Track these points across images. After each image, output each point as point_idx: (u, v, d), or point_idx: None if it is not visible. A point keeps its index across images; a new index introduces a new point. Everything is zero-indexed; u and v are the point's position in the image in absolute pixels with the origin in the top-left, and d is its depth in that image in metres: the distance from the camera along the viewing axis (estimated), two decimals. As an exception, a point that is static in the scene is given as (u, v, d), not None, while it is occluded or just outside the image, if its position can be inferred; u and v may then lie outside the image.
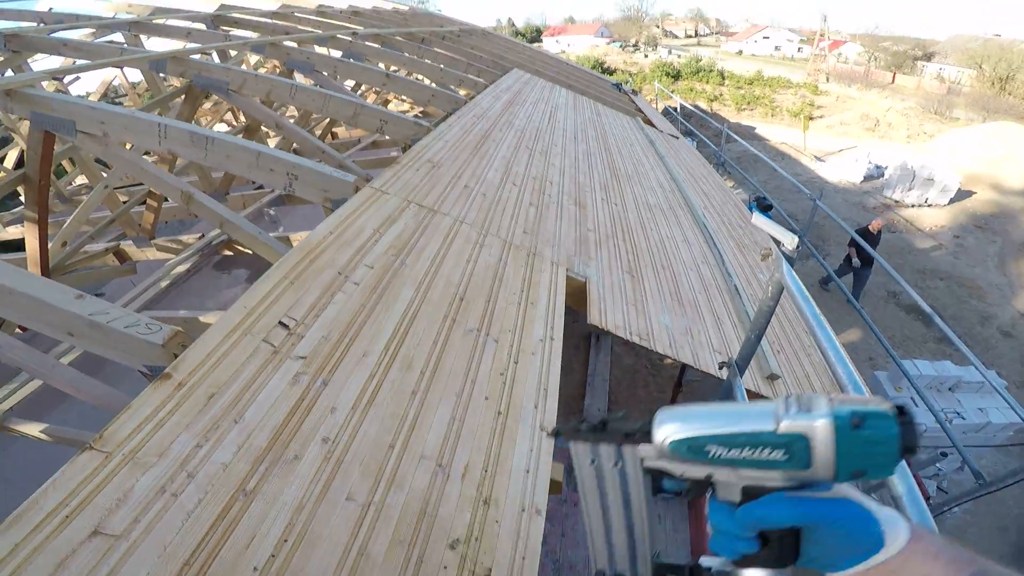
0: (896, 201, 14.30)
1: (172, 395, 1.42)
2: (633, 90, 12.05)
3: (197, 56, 4.64)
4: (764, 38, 65.42)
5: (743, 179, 10.25)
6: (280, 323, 1.79)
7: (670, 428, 0.54)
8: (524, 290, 2.62)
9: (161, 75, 4.86)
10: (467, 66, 6.57)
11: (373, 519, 1.36)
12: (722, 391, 2.48)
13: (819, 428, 0.48)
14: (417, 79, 5.91)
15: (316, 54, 5.23)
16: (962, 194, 14.53)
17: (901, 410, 0.49)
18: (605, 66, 32.96)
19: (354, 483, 1.42)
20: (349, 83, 7.24)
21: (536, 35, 75.82)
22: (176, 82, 7.02)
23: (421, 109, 7.58)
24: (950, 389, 6.11)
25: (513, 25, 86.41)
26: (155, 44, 6.26)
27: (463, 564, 1.37)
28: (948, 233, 12.80)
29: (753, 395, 2.72)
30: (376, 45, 6.29)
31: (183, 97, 4.37)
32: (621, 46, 52.87)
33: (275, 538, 1.23)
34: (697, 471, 0.55)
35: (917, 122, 24.03)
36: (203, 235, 4.52)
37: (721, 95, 27.98)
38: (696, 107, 21.96)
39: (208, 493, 1.24)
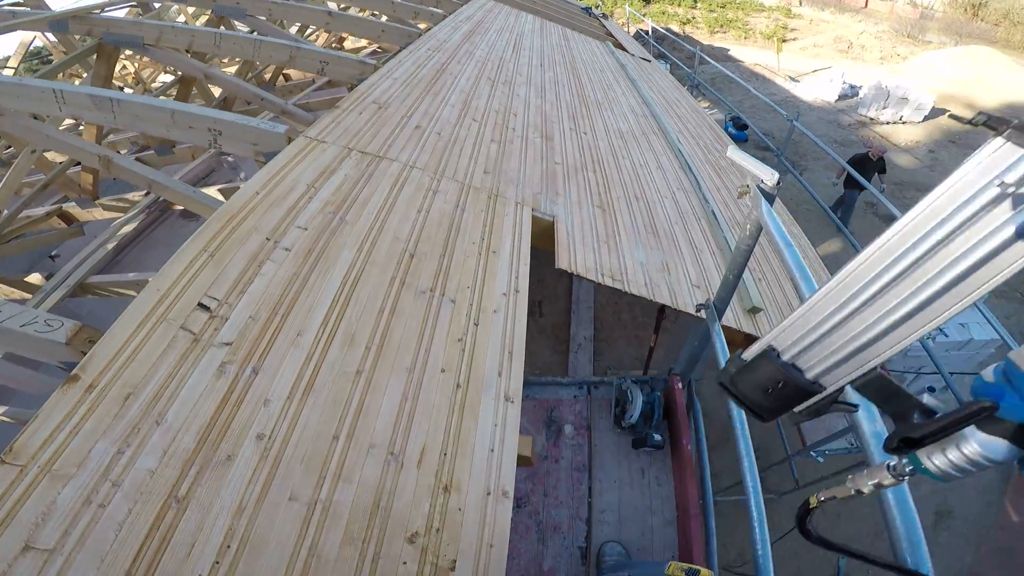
0: (871, 118, 13.95)
1: (83, 399, 1.24)
2: (604, 14, 11.27)
3: (121, 12, 4.09)
4: (737, -45, 61.75)
5: (718, 100, 9.80)
6: (199, 305, 1.56)
7: None
8: (485, 237, 2.37)
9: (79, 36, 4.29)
10: (422, -4, 5.96)
11: (321, 518, 1.24)
12: (700, 335, 2.34)
13: None
14: (374, 16, 5.35)
15: (249, -5, 4.64)
16: (936, 112, 14.21)
17: None
18: (575, -9, 30.98)
19: (297, 481, 1.28)
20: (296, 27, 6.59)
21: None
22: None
23: (377, 46, 6.96)
24: None
25: None
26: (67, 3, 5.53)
27: (424, 558, 1.25)
28: (923, 148, 12.59)
29: (733, 332, 2.57)
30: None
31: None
32: (590, -30, 49.70)
33: (216, 545, 1.13)
34: None
35: (890, 45, 23.23)
36: (148, 192, 4.14)
37: (694, 18, 26.59)
38: (668, 30, 20.90)
39: (137, 502, 1.13)
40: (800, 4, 32.75)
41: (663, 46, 13.20)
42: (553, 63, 5.17)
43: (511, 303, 2.12)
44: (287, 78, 6.04)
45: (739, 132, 10.69)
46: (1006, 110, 14.84)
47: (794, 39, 24.64)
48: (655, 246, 2.90)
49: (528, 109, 3.71)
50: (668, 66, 11.57)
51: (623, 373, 2.86)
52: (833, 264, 8.08)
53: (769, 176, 1.71)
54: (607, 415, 2.60)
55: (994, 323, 3.52)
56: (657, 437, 2.36)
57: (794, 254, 1.44)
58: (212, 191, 4.14)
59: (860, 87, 15.62)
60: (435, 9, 5.47)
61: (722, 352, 1.90)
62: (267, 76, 5.82)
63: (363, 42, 7.86)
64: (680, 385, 2.51)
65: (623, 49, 7.76)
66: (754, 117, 13.00)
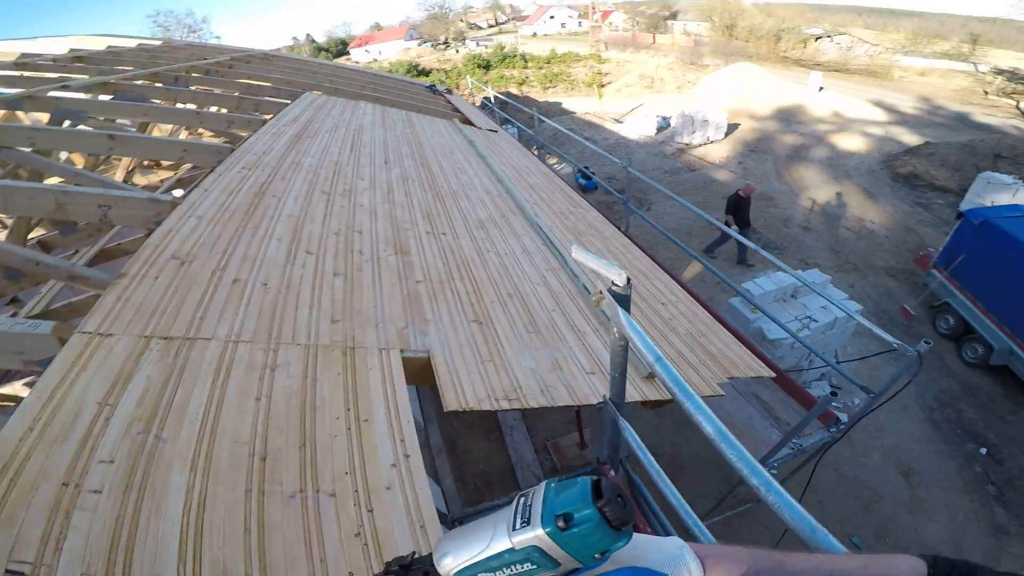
0: (687, 144, 15.69)
1: None
2: (448, 89, 11.35)
3: None
4: (551, 17, 68.99)
5: (561, 157, 10.33)
6: (8, 572, 1.18)
7: (448, 562, 0.51)
8: (350, 407, 1.83)
9: None
10: (239, 101, 5.29)
11: None
12: (606, 427, 2.17)
13: (541, 538, 0.47)
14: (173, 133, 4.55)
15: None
16: (731, 127, 16.42)
17: (599, 488, 0.49)
18: (420, 68, 31.94)
19: None
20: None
21: (342, 48, 71.09)
22: None
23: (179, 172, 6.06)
24: (793, 296, 6.32)
25: (314, 41, 79.93)
26: None
27: None
28: (733, 161, 14.32)
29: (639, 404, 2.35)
30: (104, 97, 4.73)
31: None
32: (432, 45, 51.95)
33: None
34: None
35: (681, 74, 26.90)
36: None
37: (528, 78, 28.66)
38: (508, 94, 22.07)
39: None
40: (606, 48, 37.01)
41: (506, 111, 13.68)
42: (399, 156, 4.78)
43: (405, 472, 1.65)
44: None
45: (588, 182, 11.22)
46: (777, 113, 17.56)
47: (609, 82, 27.55)
48: (540, 345, 2.54)
49: (375, 220, 3.21)
50: (516, 130, 11.92)
51: (557, 476, 2.56)
52: (701, 281, 8.59)
53: (618, 276, 1.53)
54: None
55: (833, 300, 3.74)
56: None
57: (654, 352, 1.37)
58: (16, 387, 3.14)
59: (670, 118, 17.65)
60: (252, 115, 4.82)
61: (635, 443, 1.85)
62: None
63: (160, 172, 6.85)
64: (613, 472, 2.31)
65: (470, 123, 7.69)
66: (597, 162, 13.89)
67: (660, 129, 17.58)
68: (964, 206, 10.42)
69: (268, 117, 4.86)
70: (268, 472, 1.54)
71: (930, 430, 6.33)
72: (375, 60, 51.06)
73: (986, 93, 23.45)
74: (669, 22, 49.32)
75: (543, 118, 9.92)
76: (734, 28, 37.16)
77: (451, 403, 2.03)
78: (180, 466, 1.48)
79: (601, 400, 2.09)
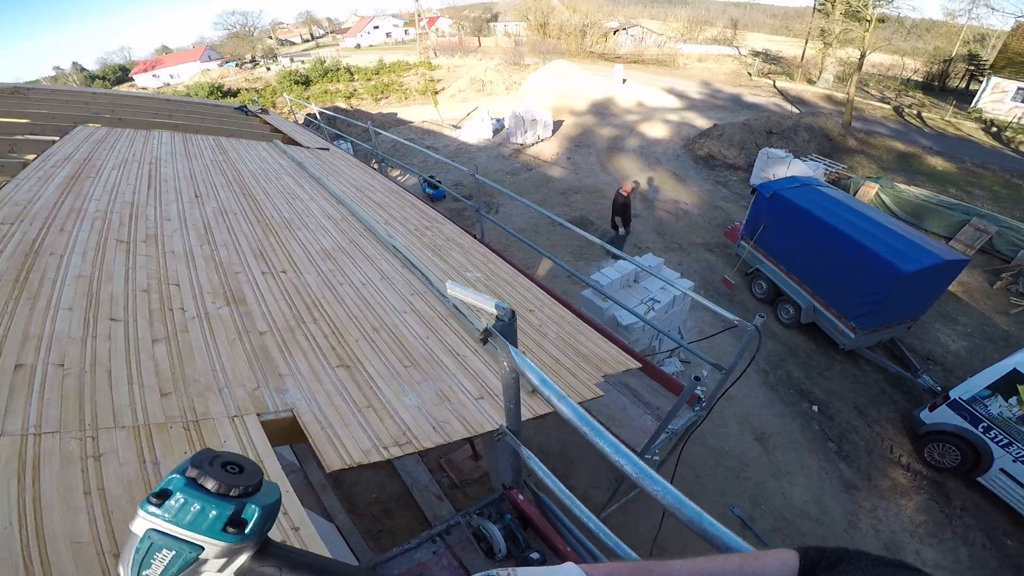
0: (522, 144, 16.62)
1: None
2: (263, 108, 10.37)
3: None
4: (375, 28, 67.39)
5: (404, 168, 10.16)
6: None
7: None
8: None
9: None
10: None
11: None
12: (506, 454, 2.16)
13: (145, 518, 0.49)
14: None
15: None
16: (557, 124, 17.80)
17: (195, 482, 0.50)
18: (226, 89, 28.65)
19: None
20: None
21: (122, 75, 60.96)
22: None
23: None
24: (635, 281, 6.84)
25: (83, 70, 67.07)
26: None
27: None
28: (563, 157, 15.54)
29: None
30: None
31: None
32: (237, 64, 47.27)
33: None
34: None
35: (507, 75, 28.34)
36: None
37: (356, 91, 27.58)
38: (336, 109, 21.02)
39: None
40: (436, 55, 37.43)
41: (336, 127, 13.02)
42: (213, 188, 4.22)
43: (299, 544, 1.41)
44: None
45: (435, 191, 11.21)
46: (592, 107, 19.45)
47: (443, 88, 27.88)
48: (421, 378, 2.45)
49: (195, 268, 2.79)
50: (350, 146, 11.40)
51: (466, 509, 2.51)
52: (555, 277, 9.14)
53: (501, 311, 1.55)
54: (475, 553, 2.24)
55: (668, 282, 4.23)
56: (535, 556, 2.14)
57: (555, 390, 1.34)
58: None
59: (503, 119, 18.52)
60: (8, 159, 3.87)
61: (539, 469, 1.85)
62: None
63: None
64: (521, 496, 2.31)
65: (295, 143, 7.14)
66: (442, 171, 13.97)
67: (496, 131, 18.34)
68: (753, 180, 12.75)
69: (31, 158, 3.94)
70: None
71: (769, 393, 7.10)
72: (167, 84, 44.95)
73: (750, 75, 28.88)
74: (491, 24, 51.67)
75: (379, 130, 9.65)
76: (547, 26, 40.27)
77: (333, 462, 1.85)
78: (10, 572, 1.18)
79: (498, 428, 2.05)
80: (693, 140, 15.97)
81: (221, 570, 0.51)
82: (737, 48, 35.62)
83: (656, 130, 17.21)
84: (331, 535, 4.39)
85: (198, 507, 0.48)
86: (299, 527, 1.53)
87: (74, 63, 70.20)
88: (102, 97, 8.68)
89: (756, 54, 33.04)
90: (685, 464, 4.26)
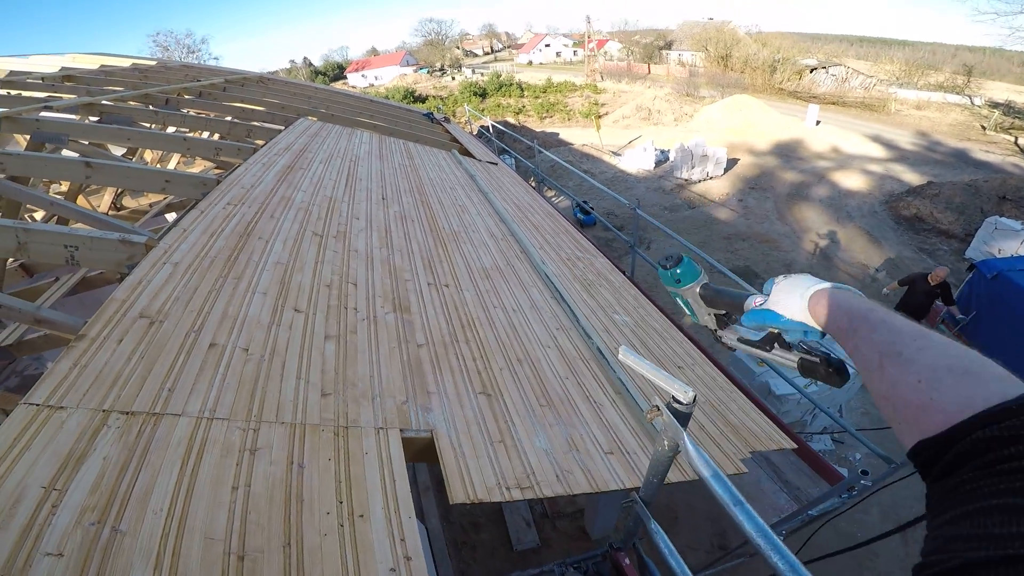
0: (686, 180, 15.79)
1: None
2: (446, 117, 11.34)
3: None
4: (546, 46, 70.73)
5: (559, 190, 10.28)
6: None
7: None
8: (343, 498, 1.58)
9: None
10: (231, 126, 5.10)
11: None
12: (627, 518, 2.03)
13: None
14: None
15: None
16: (731, 163, 16.59)
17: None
18: (417, 95, 32.36)
19: None
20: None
21: (339, 72, 72.15)
22: None
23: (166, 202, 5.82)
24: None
25: (311, 65, 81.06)
26: None
27: None
28: (733, 199, 14.41)
29: None
30: (92, 119, 4.52)
31: None
32: (428, 72, 52.82)
33: None
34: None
35: (678, 105, 27.42)
36: None
37: (524, 107, 29.09)
38: (505, 124, 22.28)
39: None
40: (602, 79, 37.81)
41: (503, 141, 13.73)
42: (398, 192, 4.59)
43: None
44: (118, 207, 4.65)
45: (586, 217, 11.13)
46: (776, 148, 17.79)
47: (606, 113, 27.97)
48: (554, 421, 2.30)
49: (372, 270, 2.99)
50: (513, 161, 11.90)
51: (563, 559, 2.44)
52: (703, 327, 8.43)
53: (683, 393, 1.32)
54: None
55: (847, 359, 3.56)
56: None
57: (725, 486, 1.20)
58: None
59: (668, 151, 17.82)
60: (243, 143, 4.62)
61: (665, 545, 1.73)
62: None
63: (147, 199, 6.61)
64: (627, 560, 2.16)
65: (469, 155, 7.58)
66: (595, 198, 13.89)
67: (658, 163, 17.74)
68: (971, 254, 10.47)
69: (260, 143, 4.67)
70: (247, 575, 1.31)
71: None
72: (371, 85, 51.79)
73: (984, 128, 24.00)
74: (664, 52, 50.67)
75: (542, 149, 9.90)
76: (729, 58, 38.17)
77: (458, 495, 1.78)
78: (142, 562, 1.25)
79: (630, 497, 1.89)
80: (898, 197, 13.70)
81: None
82: (969, 97, 29.96)
83: (851, 180, 15.13)
84: (421, 535, 4.41)
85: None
86: (411, 557, 1.48)
87: (304, 58, 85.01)
88: (321, 93, 10.22)
89: (995, 105, 27.38)
90: (807, 544, 3.68)
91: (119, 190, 5.72)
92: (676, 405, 1.30)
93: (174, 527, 1.36)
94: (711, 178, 15.89)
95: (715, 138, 18.21)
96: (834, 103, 29.72)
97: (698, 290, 1.10)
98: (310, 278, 2.67)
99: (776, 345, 0.92)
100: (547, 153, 9.78)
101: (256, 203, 3.37)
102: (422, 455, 2.04)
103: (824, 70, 34.61)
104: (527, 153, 13.30)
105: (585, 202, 10.61)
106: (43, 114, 4.41)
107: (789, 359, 0.92)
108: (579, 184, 15.05)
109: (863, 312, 0.67)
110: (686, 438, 1.32)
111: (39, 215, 5.61)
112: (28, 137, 4.15)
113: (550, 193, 13.13)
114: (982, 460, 0.44)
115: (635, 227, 6.28)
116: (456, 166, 6.50)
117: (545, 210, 5.92)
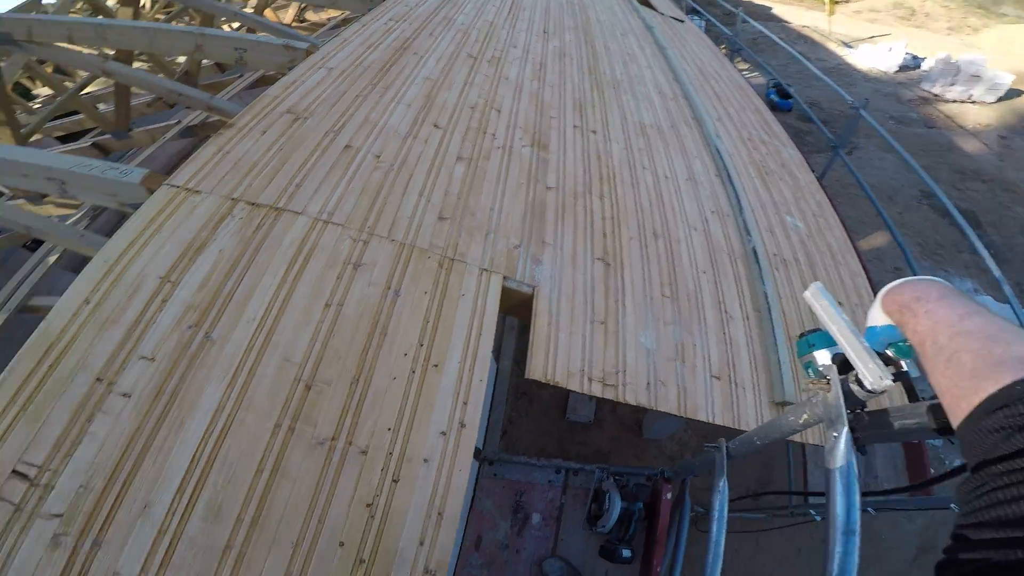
0: (935, 95, 12.20)
1: None
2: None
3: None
4: None
5: (758, 64, 8.51)
6: (14, 472, 1.16)
7: None
8: (424, 342, 1.56)
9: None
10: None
11: None
12: (694, 463, 1.90)
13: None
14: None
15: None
16: (1012, 93, 12.30)
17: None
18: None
19: None
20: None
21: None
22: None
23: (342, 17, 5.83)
24: None
25: None
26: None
27: None
28: (993, 133, 10.89)
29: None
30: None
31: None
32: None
33: None
34: None
35: (960, 15, 20.52)
36: (179, 121, 3.68)
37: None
38: (705, -20, 18.74)
39: None
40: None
41: (696, 1, 11.59)
42: (561, 28, 4.07)
43: (452, 445, 1.41)
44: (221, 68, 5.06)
45: (782, 100, 9.33)
46: None
47: (847, 1, 22.12)
48: (671, 318, 2.02)
49: (519, 99, 2.72)
50: (703, 24, 10.06)
51: (608, 465, 2.32)
52: (877, 259, 6.99)
53: (875, 376, 0.84)
54: (581, 508, 2.24)
55: None
56: (626, 554, 2.07)
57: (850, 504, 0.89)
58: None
59: (924, 59, 13.80)
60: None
61: (719, 508, 1.48)
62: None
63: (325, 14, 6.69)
64: (668, 495, 2.06)
65: (650, 6, 6.47)
66: (799, 83, 11.43)
67: (903, 68, 13.86)
68: None
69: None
70: (307, 407, 1.36)
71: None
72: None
73: None
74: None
75: (747, 18, 8.12)
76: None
77: (535, 370, 1.65)
78: (218, 379, 1.35)
79: (716, 443, 1.57)
80: None
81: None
82: None
83: None
84: (489, 373, 4.34)
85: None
86: (458, 471, 1.41)
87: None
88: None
89: None
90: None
91: (303, 5, 5.95)
92: (854, 386, 0.89)
93: (260, 341, 1.41)
94: (972, 102, 12.07)
95: (1005, 63, 13.48)
96: None
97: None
98: (456, 97, 2.51)
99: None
100: (753, 23, 7.99)
101: (417, 21, 3.20)
102: (517, 310, 1.93)
103: None
104: (725, 20, 11.12)
105: (787, 84, 8.79)
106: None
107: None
108: (784, 65, 12.41)
109: (923, 286, 0.67)
110: (845, 436, 0.91)
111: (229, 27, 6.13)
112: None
113: (743, 67, 11.08)
114: None
115: (849, 127, 5.00)
116: (631, 14, 5.58)
117: (734, 81, 4.93)
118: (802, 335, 1.03)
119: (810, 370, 1.02)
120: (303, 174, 1.85)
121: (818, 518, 2.24)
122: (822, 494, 1.32)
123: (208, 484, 1.22)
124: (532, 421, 3.60)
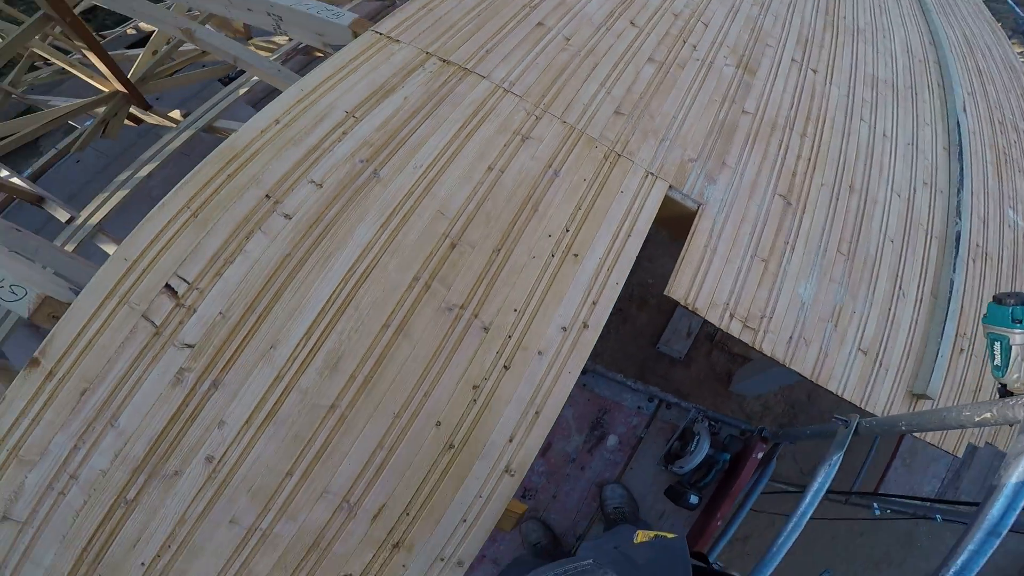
0: None
1: (43, 387, 1.13)
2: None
3: None
4: None
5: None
6: (166, 287, 1.22)
7: None
8: (571, 228, 1.54)
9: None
10: None
11: (258, 543, 1.17)
12: (808, 429, 1.81)
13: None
14: None
15: None
16: None
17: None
18: None
19: (240, 508, 1.17)
20: None
21: None
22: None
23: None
24: None
25: None
26: None
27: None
28: None
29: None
30: None
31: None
32: None
33: (158, 544, 1.13)
34: None
35: None
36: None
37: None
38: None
39: (91, 497, 1.12)
40: None
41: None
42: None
43: (569, 343, 1.41)
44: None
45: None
46: None
47: None
48: (839, 277, 1.80)
49: (732, 18, 2.43)
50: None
51: (706, 408, 2.18)
52: None
53: None
54: (662, 444, 2.15)
55: None
56: (693, 500, 2.00)
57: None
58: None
59: None
60: None
61: (821, 481, 1.37)
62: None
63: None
64: (759, 455, 1.93)
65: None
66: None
67: None
68: None
69: None
70: (447, 267, 1.39)
71: None
72: None
73: None
74: None
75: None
76: None
77: (677, 290, 1.56)
78: (374, 217, 1.40)
79: (848, 418, 1.41)
80: None
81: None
82: None
83: None
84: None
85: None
86: (567, 373, 1.40)
87: None
88: None
89: None
90: None
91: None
92: None
93: (421, 188, 1.46)
94: None
95: None
96: None
97: None
98: (659, 1, 2.31)
99: None
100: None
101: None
102: (672, 223, 1.82)
103: None
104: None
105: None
106: None
107: None
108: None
109: None
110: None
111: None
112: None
113: (1020, 50, 8.77)
114: None
115: None
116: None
117: (1006, 60, 3.95)
118: (1001, 300, 0.91)
119: (998, 345, 0.90)
120: (495, 42, 1.87)
121: (877, 511, 1.94)
122: (968, 503, 1.23)
123: (336, 330, 1.26)
124: (619, 340, 3.40)
